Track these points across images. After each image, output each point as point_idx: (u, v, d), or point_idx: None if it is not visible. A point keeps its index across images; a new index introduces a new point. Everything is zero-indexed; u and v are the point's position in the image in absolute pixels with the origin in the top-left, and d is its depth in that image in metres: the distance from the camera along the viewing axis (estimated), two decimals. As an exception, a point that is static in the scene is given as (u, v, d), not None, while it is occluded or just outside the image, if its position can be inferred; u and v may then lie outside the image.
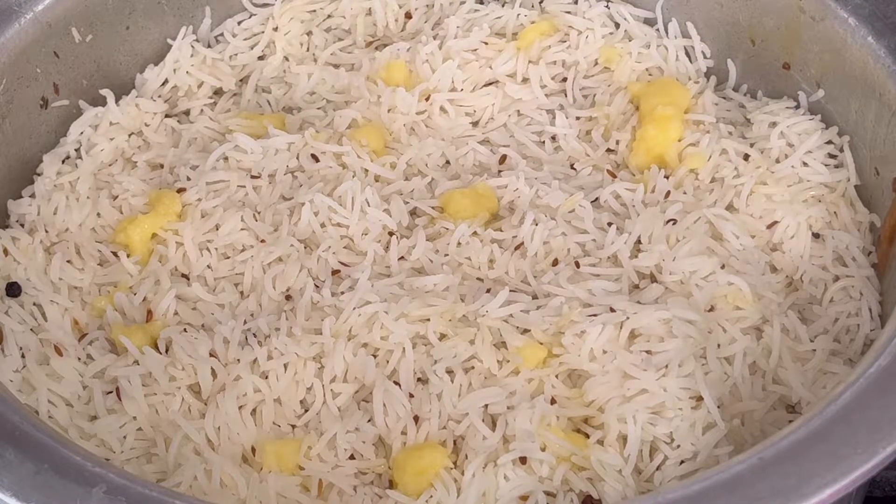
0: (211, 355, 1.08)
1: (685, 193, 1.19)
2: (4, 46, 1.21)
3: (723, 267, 1.11)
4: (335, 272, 1.15)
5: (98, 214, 1.21)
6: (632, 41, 1.32)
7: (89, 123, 1.28)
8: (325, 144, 1.23)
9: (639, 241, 1.14)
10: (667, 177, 1.22)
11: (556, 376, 1.05)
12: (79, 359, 1.10)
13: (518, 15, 1.34)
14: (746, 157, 1.21)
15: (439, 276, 1.12)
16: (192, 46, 1.34)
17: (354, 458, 1.03)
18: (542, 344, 1.06)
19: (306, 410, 1.06)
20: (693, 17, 1.34)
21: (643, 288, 1.11)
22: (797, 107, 1.25)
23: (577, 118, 1.29)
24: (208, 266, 1.16)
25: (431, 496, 0.99)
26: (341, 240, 1.17)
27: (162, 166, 1.26)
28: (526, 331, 1.07)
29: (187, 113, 1.33)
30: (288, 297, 1.13)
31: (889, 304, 1.10)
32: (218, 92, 1.35)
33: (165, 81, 1.33)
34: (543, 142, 1.27)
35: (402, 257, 1.15)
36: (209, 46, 1.37)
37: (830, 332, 1.10)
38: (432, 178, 1.22)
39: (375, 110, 1.27)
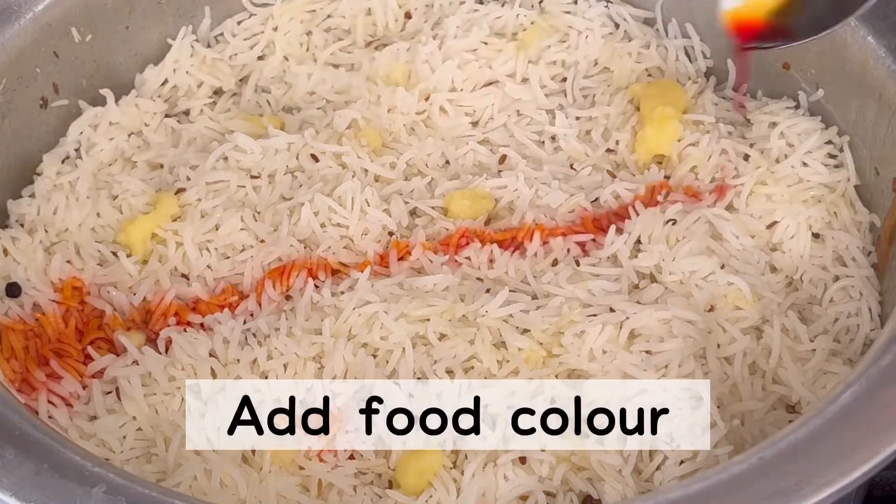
0: (211, 355, 1.08)
1: (685, 193, 1.19)
2: (4, 46, 1.21)
3: (723, 267, 1.11)
4: (335, 272, 1.15)
5: (98, 214, 1.21)
6: (631, 41, 1.32)
7: (89, 123, 1.28)
8: (324, 144, 1.23)
9: (638, 241, 1.14)
10: (667, 177, 1.22)
11: (556, 376, 1.05)
12: (78, 359, 1.10)
13: (518, 15, 1.34)
14: (746, 157, 1.21)
15: (439, 276, 1.12)
16: (192, 46, 1.34)
17: (354, 458, 1.03)
18: (541, 344, 1.06)
19: (306, 410, 1.06)
20: (693, 17, 1.33)
21: (643, 288, 1.11)
22: (797, 107, 1.25)
23: (577, 118, 1.29)
24: (208, 266, 1.16)
25: (431, 496, 0.99)
26: (341, 240, 1.17)
27: (162, 166, 1.26)
28: (526, 331, 1.07)
29: (187, 113, 1.33)
30: (288, 297, 1.13)
31: (889, 304, 1.10)
32: (218, 92, 1.35)
33: (165, 81, 1.33)
34: (543, 142, 1.27)
35: (402, 257, 1.15)
36: (209, 46, 1.37)
37: (830, 332, 1.10)
38: (432, 178, 1.22)
39: (375, 110, 1.27)
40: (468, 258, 1.14)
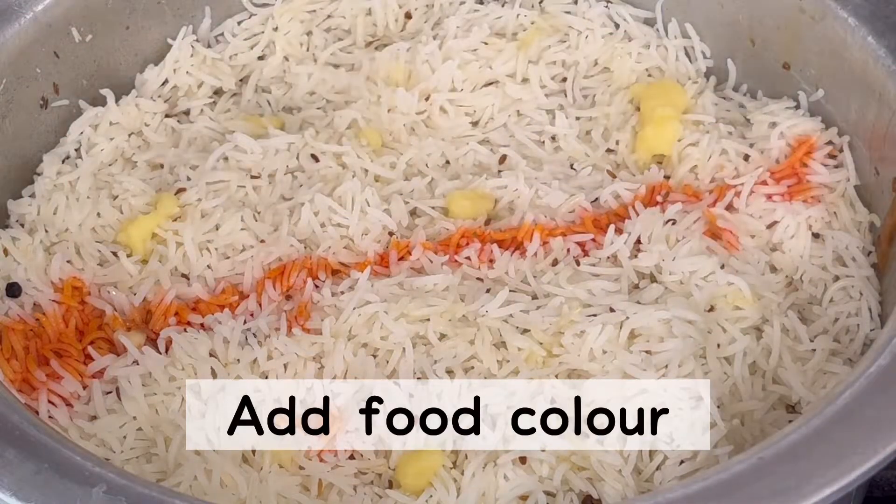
0: (211, 355, 1.08)
1: (685, 193, 1.19)
2: (4, 46, 1.21)
3: (722, 267, 1.11)
4: (335, 272, 1.15)
5: (98, 214, 1.21)
6: (631, 41, 1.32)
7: (89, 123, 1.28)
8: (324, 144, 1.23)
9: (638, 241, 1.14)
10: (667, 177, 1.22)
11: (556, 376, 1.05)
12: (78, 359, 1.10)
13: (518, 15, 1.34)
14: (746, 157, 1.21)
15: (439, 276, 1.12)
16: (192, 46, 1.34)
17: (354, 458, 1.03)
18: (541, 344, 1.06)
19: (306, 410, 1.06)
20: (693, 17, 1.34)
21: (643, 288, 1.11)
22: (797, 107, 1.25)
23: (577, 118, 1.29)
24: (208, 266, 1.16)
25: (431, 496, 0.99)
26: (341, 240, 1.17)
27: (162, 166, 1.26)
28: (526, 331, 1.07)
29: (187, 113, 1.33)
30: (288, 297, 1.13)
31: (889, 304, 1.10)
32: (218, 92, 1.35)
33: (165, 81, 1.33)
34: (543, 142, 1.27)
35: (402, 257, 1.15)
36: (209, 46, 1.37)
37: (830, 332, 1.10)
38: (432, 178, 1.23)
39: (375, 110, 1.27)
40: (468, 258, 1.14)
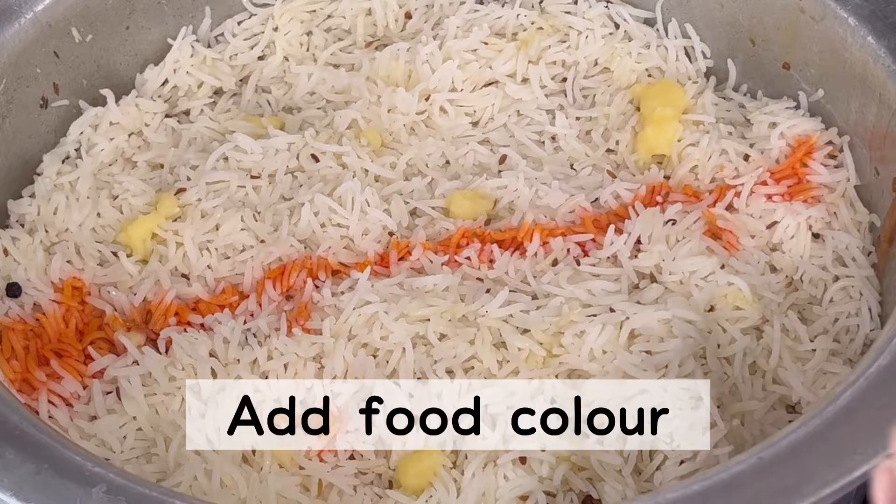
0: (211, 355, 1.08)
1: (685, 193, 1.19)
2: (4, 46, 1.21)
3: (722, 267, 1.11)
4: (335, 272, 1.15)
5: (98, 214, 1.21)
6: (631, 41, 1.32)
7: (89, 123, 1.28)
8: (325, 144, 1.23)
9: (638, 242, 1.14)
10: (667, 177, 1.22)
11: (556, 376, 1.05)
12: (78, 359, 1.10)
13: (518, 15, 1.34)
14: (746, 157, 1.21)
15: (439, 276, 1.12)
16: (192, 46, 1.34)
17: (354, 458, 1.03)
18: (541, 344, 1.06)
19: (306, 410, 1.06)
20: (693, 17, 1.34)
21: (643, 288, 1.11)
22: (797, 107, 1.25)
23: (577, 118, 1.29)
24: (208, 266, 1.16)
25: (431, 496, 0.99)
26: (341, 240, 1.17)
27: (162, 166, 1.26)
28: (526, 331, 1.07)
29: (187, 113, 1.33)
30: (288, 298, 1.13)
31: (889, 304, 1.10)
32: (218, 92, 1.35)
33: (165, 81, 1.33)
34: (543, 142, 1.27)
35: (402, 257, 1.15)
36: (209, 46, 1.37)
37: (830, 332, 1.10)
38: (432, 178, 1.23)
39: (375, 110, 1.27)
40: (468, 258, 1.14)
